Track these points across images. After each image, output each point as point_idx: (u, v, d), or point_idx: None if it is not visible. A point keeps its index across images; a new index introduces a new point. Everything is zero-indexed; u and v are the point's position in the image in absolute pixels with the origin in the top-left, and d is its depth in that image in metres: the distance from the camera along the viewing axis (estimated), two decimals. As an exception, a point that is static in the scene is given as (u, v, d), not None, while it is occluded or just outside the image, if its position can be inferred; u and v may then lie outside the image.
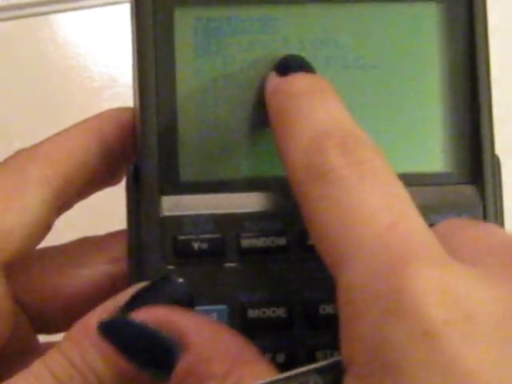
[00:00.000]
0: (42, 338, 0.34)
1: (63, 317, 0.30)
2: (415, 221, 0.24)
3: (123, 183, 0.32)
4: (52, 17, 0.57)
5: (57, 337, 0.29)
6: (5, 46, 0.56)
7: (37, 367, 0.27)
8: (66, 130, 0.32)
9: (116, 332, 0.27)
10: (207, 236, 0.30)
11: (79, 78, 0.56)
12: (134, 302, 0.28)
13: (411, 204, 0.25)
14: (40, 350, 0.29)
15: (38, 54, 0.57)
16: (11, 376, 0.27)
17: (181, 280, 0.29)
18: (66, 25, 0.57)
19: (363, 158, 0.25)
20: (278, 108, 0.28)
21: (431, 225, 0.30)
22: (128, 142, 0.32)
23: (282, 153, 0.27)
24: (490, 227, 0.27)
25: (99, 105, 0.55)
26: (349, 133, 0.26)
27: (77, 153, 0.31)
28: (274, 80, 0.29)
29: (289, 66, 0.29)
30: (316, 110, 0.27)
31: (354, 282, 0.23)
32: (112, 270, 0.33)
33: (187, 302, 0.28)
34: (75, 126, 0.32)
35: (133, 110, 0.32)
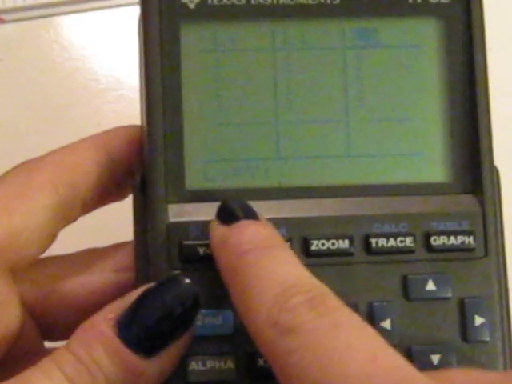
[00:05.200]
0: (48, 345, 0.34)
1: (69, 324, 0.30)
2: (393, 355, 0.25)
3: (127, 202, 0.32)
4: (57, 19, 0.57)
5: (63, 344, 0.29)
6: (10, 48, 0.57)
7: (46, 364, 0.28)
8: (74, 143, 0.32)
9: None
10: None
11: (84, 79, 0.56)
12: (141, 302, 0.29)
13: (385, 342, 0.25)
14: (46, 354, 0.29)
15: (43, 56, 0.57)
16: None
17: (187, 280, 0.29)
18: (72, 27, 0.58)
19: (332, 308, 0.26)
20: (230, 265, 0.28)
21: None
22: (136, 158, 0.32)
23: (242, 311, 0.27)
24: None
25: (104, 107, 0.56)
26: (312, 287, 0.27)
27: (84, 163, 0.32)
28: (218, 230, 0.29)
29: (231, 213, 0.29)
30: (273, 267, 0.27)
31: None
32: (119, 279, 0.33)
33: (194, 303, 0.29)
34: (83, 139, 0.33)
35: (140, 123, 0.32)
